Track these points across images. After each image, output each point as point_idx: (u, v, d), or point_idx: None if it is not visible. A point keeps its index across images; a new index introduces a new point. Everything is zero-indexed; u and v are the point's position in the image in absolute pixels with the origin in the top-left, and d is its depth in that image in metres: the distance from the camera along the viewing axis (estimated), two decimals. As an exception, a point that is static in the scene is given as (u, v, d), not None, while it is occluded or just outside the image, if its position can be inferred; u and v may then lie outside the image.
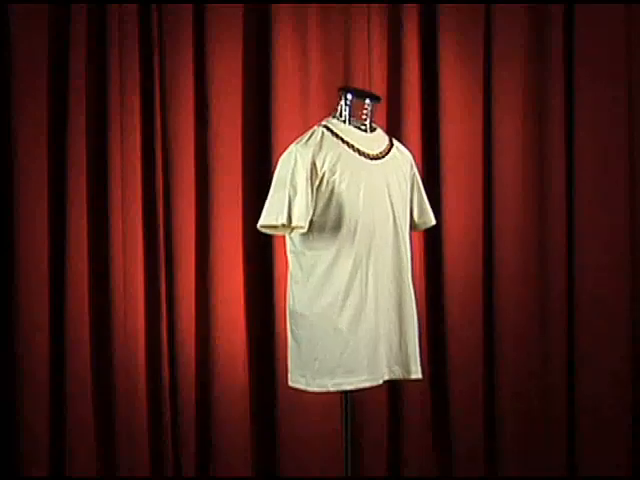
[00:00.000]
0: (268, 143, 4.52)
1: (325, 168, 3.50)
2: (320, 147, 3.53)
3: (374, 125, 3.65)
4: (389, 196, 3.58)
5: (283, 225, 3.47)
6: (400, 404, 4.61)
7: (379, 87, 4.56)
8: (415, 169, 3.76)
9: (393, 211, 3.58)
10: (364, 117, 3.62)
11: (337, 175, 3.51)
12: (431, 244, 4.61)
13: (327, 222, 3.51)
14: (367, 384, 3.54)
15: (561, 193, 4.61)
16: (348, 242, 3.50)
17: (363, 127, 3.62)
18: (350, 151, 3.56)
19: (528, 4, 4.59)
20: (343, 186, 3.51)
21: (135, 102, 4.49)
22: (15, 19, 4.41)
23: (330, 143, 3.55)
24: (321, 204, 3.50)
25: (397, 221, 3.59)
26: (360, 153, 3.57)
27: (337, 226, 3.51)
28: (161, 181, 4.52)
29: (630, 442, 4.59)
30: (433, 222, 3.85)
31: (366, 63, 4.59)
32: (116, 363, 4.49)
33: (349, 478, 3.70)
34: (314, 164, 3.49)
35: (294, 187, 3.46)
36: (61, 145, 4.48)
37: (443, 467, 4.65)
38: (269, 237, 4.43)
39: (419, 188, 3.77)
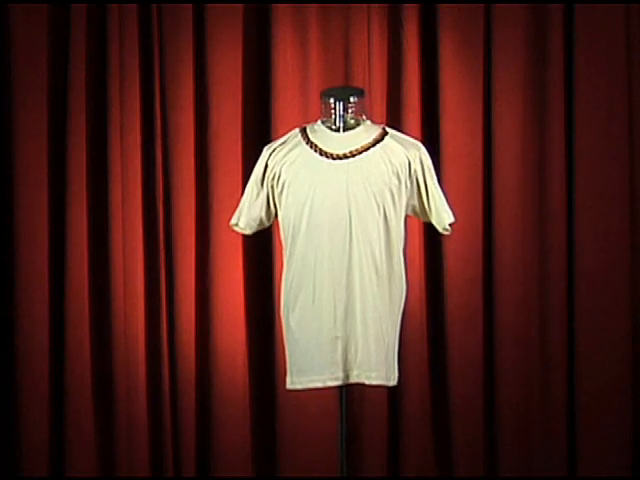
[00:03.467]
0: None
1: (276, 169, 3.61)
2: (281, 148, 3.64)
3: (361, 120, 3.63)
4: (349, 196, 3.52)
5: (236, 224, 3.73)
6: (400, 404, 4.61)
7: (379, 87, 4.57)
8: (420, 166, 3.63)
9: (350, 213, 3.52)
10: (342, 116, 3.62)
11: (289, 176, 3.58)
12: (431, 244, 4.61)
13: (282, 222, 3.63)
14: (312, 384, 3.57)
15: (561, 193, 4.61)
16: (296, 243, 3.57)
17: (350, 124, 3.62)
18: (311, 152, 3.58)
19: (528, 4, 4.60)
20: (293, 187, 3.57)
21: (135, 102, 4.49)
22: (15, 19, 4.41)
23: (294, 144, 3.63)
24: (278, 204, 3.62)
25: (356, 224, 3.52)
26: (322, 153, 3.57)
27: (288, 226, 3.59)
28: (161, 181, 4.53)
29: (630, 442, 4.59)
30: (447, 221, 3.68)
31: (366, 63, 4.58)
32: (116, 363, 4.49)
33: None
34: (267, 165, 3.64)
35: (248, 188, 3.70)
36: (61, 145, 4.48)
37: (443, 467, 4.65)
38: (269, 237, 4.43)
39: (426, 186, 3.65)
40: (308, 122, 3.80)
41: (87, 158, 4.48)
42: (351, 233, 3.52)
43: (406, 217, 3.69)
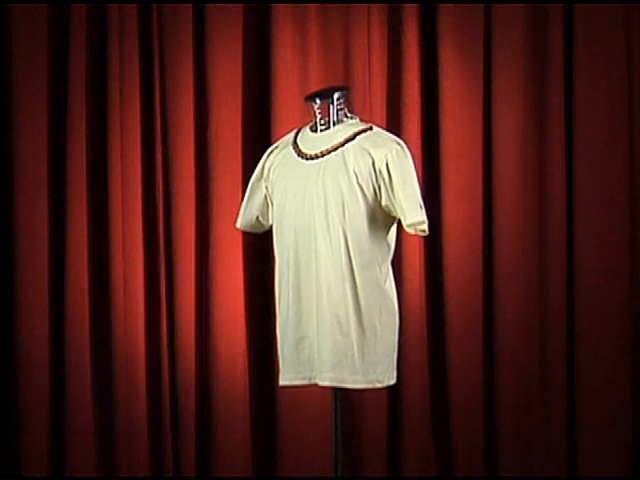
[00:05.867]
0: (268, 143, 4.51)
1: (267, 171, 3.68)
2: (276, 150, 3.68)
3: (347, 118, 3.60)
4: (313, 197, 3.49)
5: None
6: (400, 404, 4.61)
7: (379, 87, 4.57)
8: (385, 165, 3.46)
9: (314, 212, 3.49)
10: (327, 115, 3.61)
11: (274, 177, 3.63)
12: (431, 244, 4.61)
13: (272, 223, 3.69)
14: (283, 382, 3.61)
15: (561, 193, 4.61)
16: (276, 243, 3.61)
17: (337, 122, 3.61)
18: (293, 153, 3.59)
19: (528, 4, 4.60)
20: (275, 188, 3.62)
21: (135, 102, 4.50)
22: (15, 19, 4.42)
23: (284, 146, 3.66)
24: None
25: (318, 223, 3.48)
26: (299, 154, 3.57)
27: (274, 227, 3.64)
28: (161, 181, 4.53)
29: (630, 442, 4.59)
30: (409, 220, 3.48)
31: (366, 63, 4.59)
32: (116, 363, 4.49)
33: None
34: (263, 167, 3.69)
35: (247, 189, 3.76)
36: (61, 145, 4.48)
37: (443, 467, 4.65)
38: (269, 237, 4.43)
39: (392, 185, 3.47)
40: (308, 122, 3.80)
41: (87, 158, 4.49)
42: (311, 233, 3.50)
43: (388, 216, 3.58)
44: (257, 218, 3.73)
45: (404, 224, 3.50)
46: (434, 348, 4.64)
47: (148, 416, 4.49)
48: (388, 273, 3.57)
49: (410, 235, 4.49)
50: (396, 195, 3.47)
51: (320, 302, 3.48)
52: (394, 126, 4.56)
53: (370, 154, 3.48)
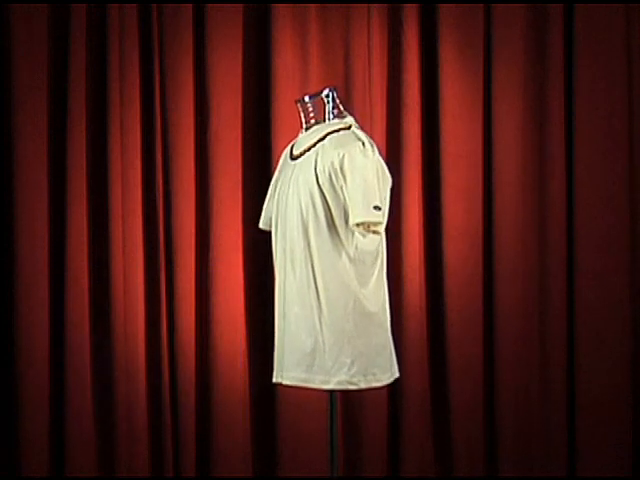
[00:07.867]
0: (268, 143, 4.53)
1: (278, 172, 3.80)
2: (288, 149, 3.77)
3: (337, 117, 3.63)
4: (290, 197, 3.55)
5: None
6: (400, 404, 4.61)
7: (379, 87, 4.57)
8: (339, 165, 3.48)
9: (289, 213, 3.55)
10: (310, 115, 3.63)
11: (278, 177, 3.76)
12: (431, 243, 4.61)
13: None
14: (273, 380, 3.68)
15: (561, 193, 4.61)
16: (273, 242, 3.69)
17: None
18: (288, 153, 3.73)
19: (528, 4, 4.60)
20: (275, 188, 3.74)
21: (135, 102, 4.50)
22: (15, 19, 4.42)
23: (290, 145, 3.76)
24: None
25: (289, 225, 3.54)
26: (290, 154, 3.68)
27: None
28: (161, 181, 4.53)
29: (630, 442, 4.59)
30: (353, 220, 3.44)
31: (366, 63, 4.59)
32: (116, 363, 4.49)
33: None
34: (278, 168, 3.81)
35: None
36: (61, 145, 4.48)
37: (443, 467, 4.65)
38: (269, 236, 4.43)
39: (346, 184, 3.46)
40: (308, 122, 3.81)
41: (87, 158, 4.48)
42: (285, 233, 3.57)
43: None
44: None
45: (351, 221, 3.46)
46: (434, 348, 4.64)
47: (148, 416, 4.49)
48: (372, 274, 3.55)
49: (410, 235, 4.52)
50: (348, 193, 3.46)
51: (287, 303, 3.55)
52: (394, 126, 4.57)
53: (330, 154, 3.50)
